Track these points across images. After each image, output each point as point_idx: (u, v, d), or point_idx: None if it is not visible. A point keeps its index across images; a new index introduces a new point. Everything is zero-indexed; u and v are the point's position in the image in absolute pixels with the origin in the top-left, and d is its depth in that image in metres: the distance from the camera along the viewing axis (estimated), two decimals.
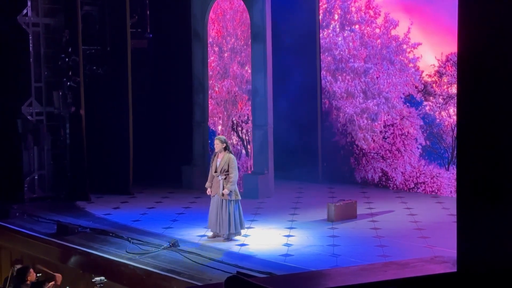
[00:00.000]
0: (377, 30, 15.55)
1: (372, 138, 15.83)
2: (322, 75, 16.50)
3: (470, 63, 5.15)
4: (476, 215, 5.00)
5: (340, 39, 16.19)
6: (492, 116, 4.97)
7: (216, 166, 11.24)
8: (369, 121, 15.88)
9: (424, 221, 12.36)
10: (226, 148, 11.25)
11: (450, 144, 14.53)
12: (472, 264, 5.03)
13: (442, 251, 9.54)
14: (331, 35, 16.36)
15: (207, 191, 11.47)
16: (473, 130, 5.08)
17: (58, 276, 10.26)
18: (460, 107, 5.36)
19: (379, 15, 15.50)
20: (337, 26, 16.27)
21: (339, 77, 16.30)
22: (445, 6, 14.02)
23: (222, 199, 11.15)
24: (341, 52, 16.19)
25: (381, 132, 15.67)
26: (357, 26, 15.91)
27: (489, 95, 5.00)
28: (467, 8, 5.07)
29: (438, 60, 14.54)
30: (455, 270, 5.26)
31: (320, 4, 16.45)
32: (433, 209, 13.40)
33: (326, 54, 16.44)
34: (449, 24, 13.68)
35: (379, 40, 15.54)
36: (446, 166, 14.62)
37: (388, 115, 15.49)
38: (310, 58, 16.53)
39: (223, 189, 11.12)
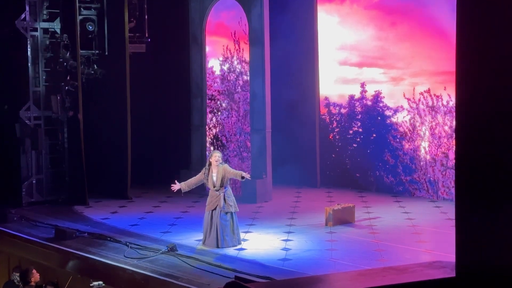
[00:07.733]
0: None
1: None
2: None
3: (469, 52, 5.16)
4: (474, 220, 4.99)
5: None
6: (490, 118, 4.97)
7: (213, 181, 11.17)
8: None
9: (422, 225, 12.36)
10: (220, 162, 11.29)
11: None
12: (471, 269, 5.03)
13: (441, 256, 9.52)
14: None
15: (173, 187, 11.38)
16: (471, 134, 5.07)
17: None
18: (459, 109, 5.36)
19: None
20: None
21: None
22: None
23: (220, 213, 11.10)
24: None
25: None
26: None
27: (488, 97, 5.00)
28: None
29: None
30: (454, 275, 5.25)
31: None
32: (431, 214, 13.40)
33: None
34: None
35: None
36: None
37: None
38: (309, 62, 16.52)
39: (224, 200, 11.07)
